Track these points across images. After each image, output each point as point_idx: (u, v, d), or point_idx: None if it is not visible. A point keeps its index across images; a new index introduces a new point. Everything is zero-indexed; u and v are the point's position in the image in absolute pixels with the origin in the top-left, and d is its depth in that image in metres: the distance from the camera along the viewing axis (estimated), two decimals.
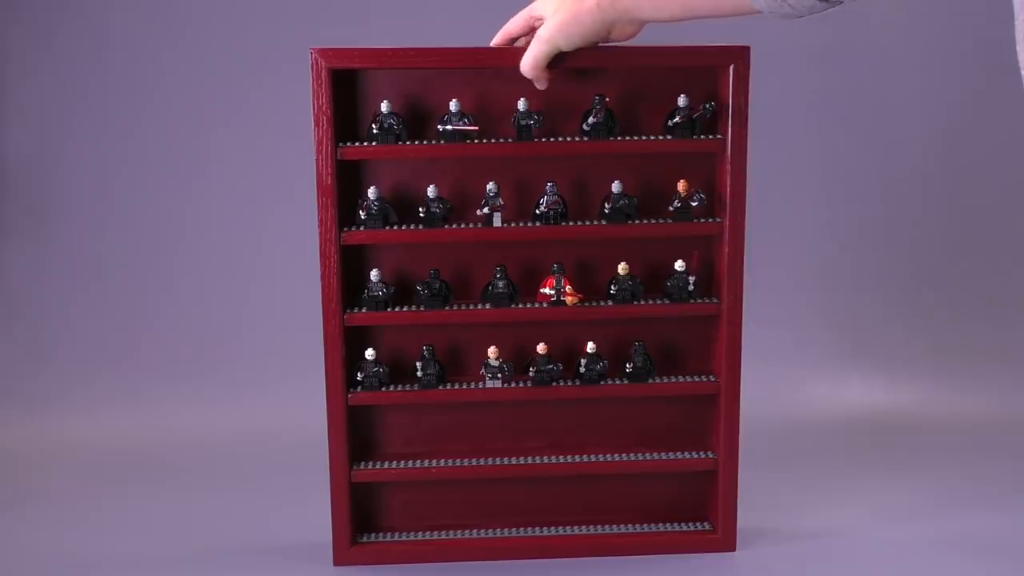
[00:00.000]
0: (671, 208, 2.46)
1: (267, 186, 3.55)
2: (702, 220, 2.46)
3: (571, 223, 2.44)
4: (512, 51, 2.35)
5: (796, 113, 3.62)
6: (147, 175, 3.57)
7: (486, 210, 2.42)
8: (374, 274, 2.44)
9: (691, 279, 2.48)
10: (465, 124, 2.38)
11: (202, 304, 3.59)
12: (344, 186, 2.42)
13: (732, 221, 2.43)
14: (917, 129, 3.68)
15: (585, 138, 2.43)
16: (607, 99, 2.41)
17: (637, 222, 2.45)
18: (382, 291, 2.44)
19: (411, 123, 2.45)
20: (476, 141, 2.41)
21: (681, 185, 2.45)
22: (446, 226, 2.44)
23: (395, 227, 2.43)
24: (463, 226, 2.45)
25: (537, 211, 2.44)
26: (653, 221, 2.47)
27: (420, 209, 2.43)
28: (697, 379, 2.55)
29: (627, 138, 2.44)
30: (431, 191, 2.43)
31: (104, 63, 3.51)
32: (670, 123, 2.45)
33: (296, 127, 2.99)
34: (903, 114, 3.67)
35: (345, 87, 2.41)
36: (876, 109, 3.67)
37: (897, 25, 3.63)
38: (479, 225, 2.44)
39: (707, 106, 2.42)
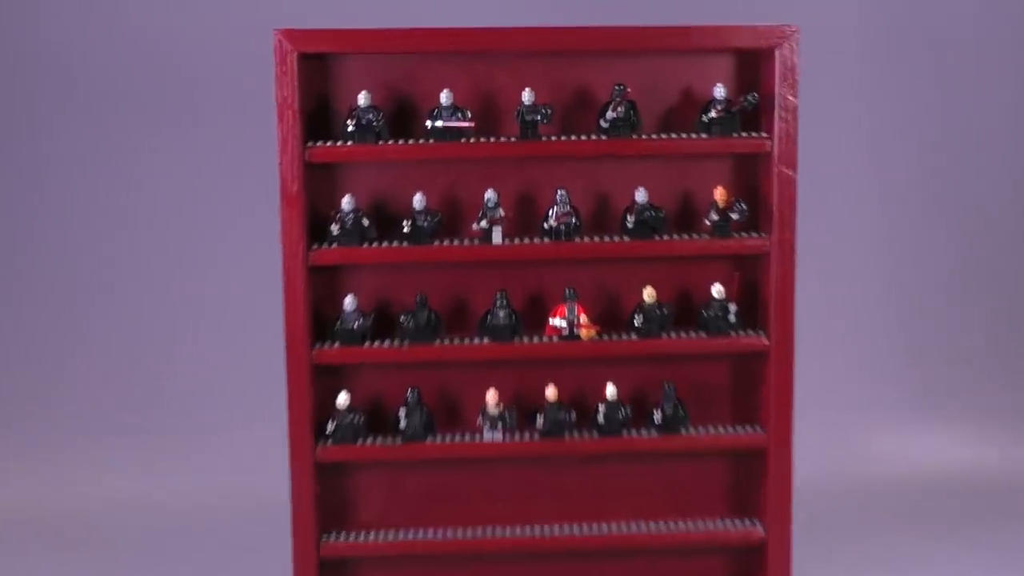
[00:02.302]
0: (707, 221, 2.23)
1: (222, 194, 3.29)
2: (744, 235, 2.23)
3: (586, 239, 2.22)
4: (517, 32, 2.16)
5: (854, 105, 3.36)
6: (77, 186, 3.31)
7: (484, 223, 2.20)
8: (349, 301, 2.20)
9: (732, 308, 2.24)
10: (459, 120, 2.18)
11: (141, 335, 3.30)
12: (314, 194, 2.21)
13: (781, 236, 2.20)
14: (1002, 121, 3.41)
15: (603, 136, 2.20)
16: (628, 89, 2.18)
17: (666, 238, 2.22)
18: (358, 322, 2.19)
19: (394, 119, 2.25)
20: (472, 140, 2.20)
21: (718, 193, 2.22)
22: (436, 243, 2.21)
23: (374, 244, 2.21)
24: (456, 243, 2.23)
25: (546, 224, 2.21)
26: (685, 237, 2.25)
27: (405, 222, 2.20)
28: (740, 430, 2.29)
29: (653, 136, 2.22)
30: (418, 201, 2.20)
31: (37, 51, 3.27)
32: (705, 118, 2.23)
33: (256, 123, 2.75)
34: (983, 105, 3.42)
35: (316, 76, 2.22)
36: (951, 99, 3.41)
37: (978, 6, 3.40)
38: (475, 241, 2.22)
39: (749, 98, 2.20)
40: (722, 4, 3.06)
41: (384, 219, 2.26)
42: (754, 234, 2.25)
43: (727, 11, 3.00)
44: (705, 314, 2.24)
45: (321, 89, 2.23)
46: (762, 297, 2.27)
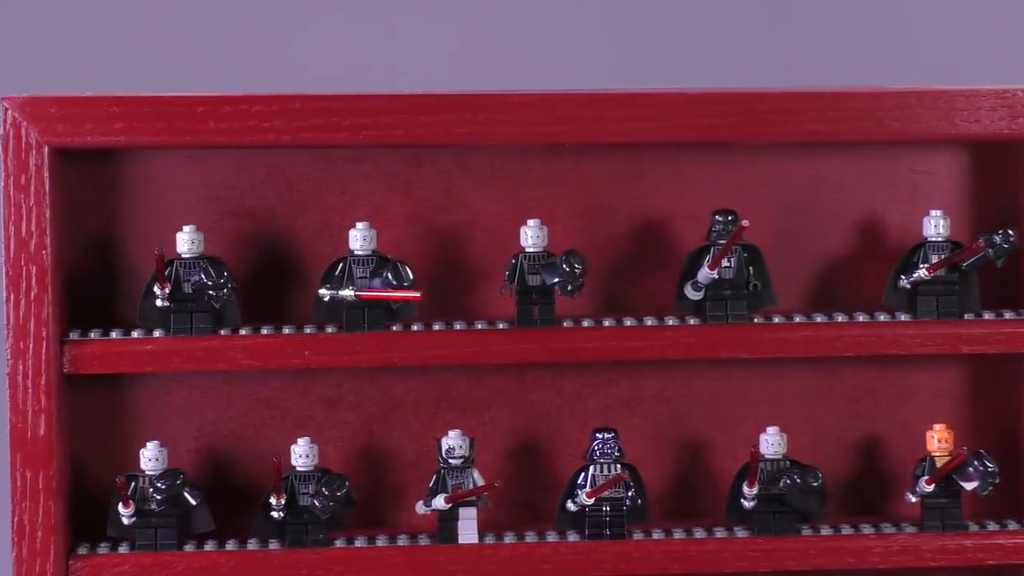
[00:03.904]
0: (911, 498, 1.41)
1: None
2: (992, 527, 1.37)
3: (657, 534, 1.35)
4: (503, 100, 1.41)
5: None
6: None
7: (439, 502, 1.39)
8: None
9: None
10: (388, 286, 1.40)
11: None
12: (81, 442, 1.40)
13: None
14: None
15: (691, 320, 1.41)
16: (744, 223, 1.40)
17: (825, 532, 1.37)
18: None
19: (252, 285, 1.45)
20: (417, 327, 1.40)
21: (937, 438, 1.38)
22: (336, 543, 1.38)
23: (207, 545, 1.37)
24: (382, 542, 1.39)
25: (571, 504, 1.41)
26: (867, 530, 1.39)
27: (273, 502, 1.38)
28: None
29: (797, 319, 1.42)
30: (301, 454, 1.38)
31: None
32: (904, 282, 1.43)
33: None
34: None
35: (90, 196, 1.45)
36: None
37: None
38: (422, 540, 1.39)
39: (996, 240, 1.41)
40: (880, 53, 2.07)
41: (231, 493, 1.41)
42: (1011, 524, 1.36)
43: (888, 67, 2.04)
44: None
45: (100, 223, 1.43)
46: None
